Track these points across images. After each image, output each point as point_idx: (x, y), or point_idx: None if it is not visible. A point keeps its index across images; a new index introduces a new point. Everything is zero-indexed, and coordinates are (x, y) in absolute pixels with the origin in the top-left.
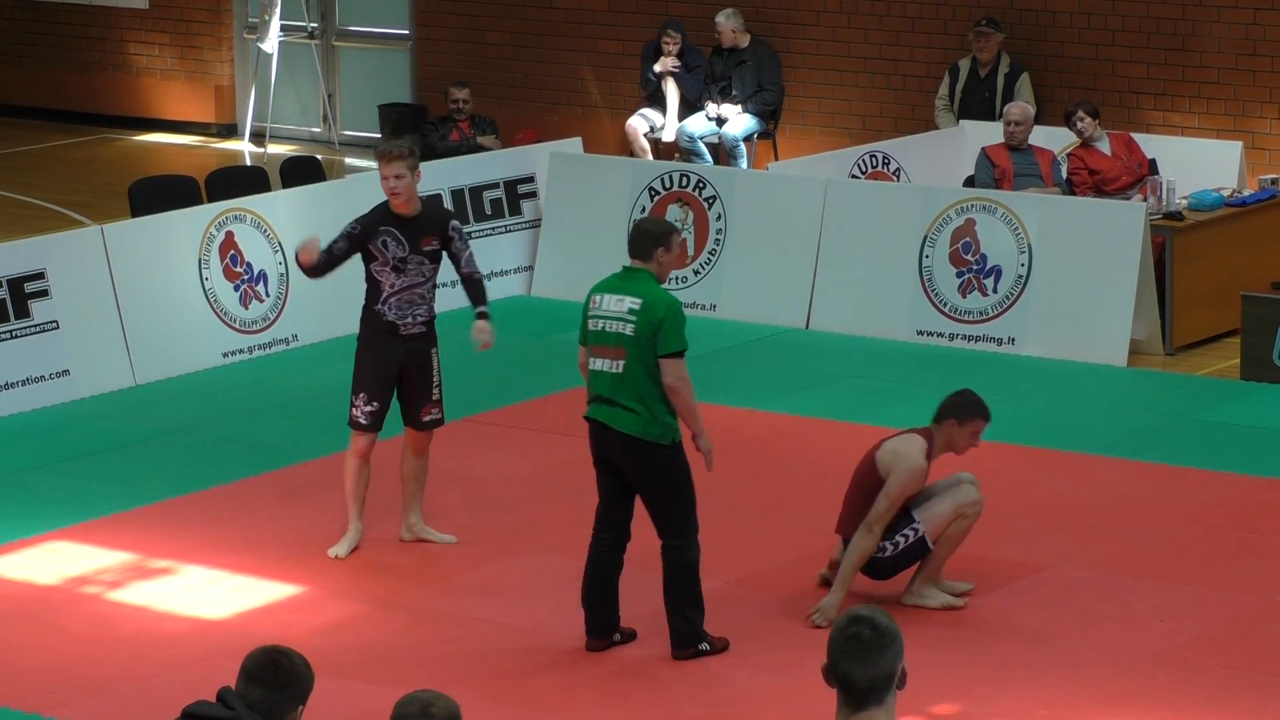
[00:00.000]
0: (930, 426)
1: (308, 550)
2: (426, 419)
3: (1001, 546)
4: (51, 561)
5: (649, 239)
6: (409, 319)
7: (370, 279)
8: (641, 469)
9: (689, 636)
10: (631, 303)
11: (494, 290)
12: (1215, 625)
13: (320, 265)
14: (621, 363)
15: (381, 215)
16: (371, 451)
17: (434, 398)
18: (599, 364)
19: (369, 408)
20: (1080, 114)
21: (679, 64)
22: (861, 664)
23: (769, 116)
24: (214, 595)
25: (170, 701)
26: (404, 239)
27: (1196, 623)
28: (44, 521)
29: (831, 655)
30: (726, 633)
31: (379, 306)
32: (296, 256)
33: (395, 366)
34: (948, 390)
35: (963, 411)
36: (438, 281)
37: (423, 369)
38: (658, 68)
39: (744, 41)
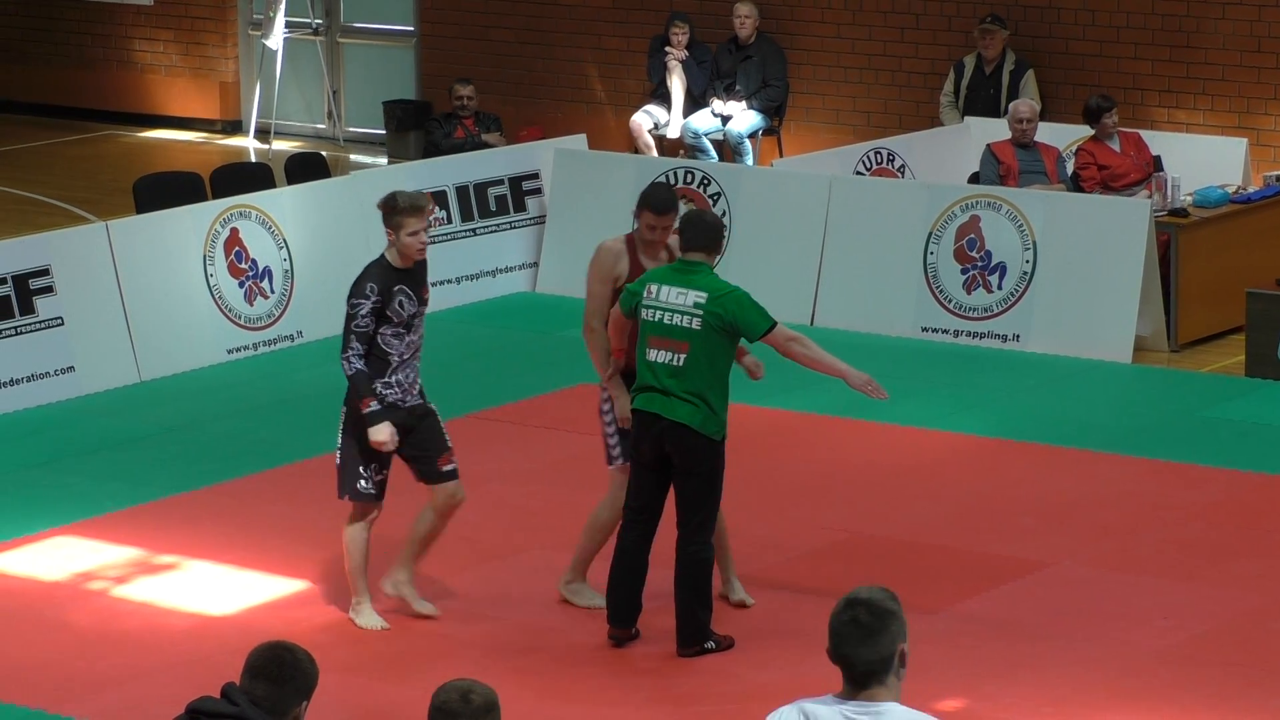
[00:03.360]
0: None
1: (312, 546)
2: (447, 467)
3: (1005, 543)
4: (56, 558)
5: (714, 232)
6: (412, 393)
7: (376, 352)
8: (690, 461)
9: (696, 634)
10: (697, 296)
11: (498, 287)
12: (1219, 622)
13: (366, 373)
14: (684, 356)
15: (388, 273)
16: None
17: (449, 445)
18: (656, 355)
19: (379, 477)
20: (1114, 110)
21: (687, 54)
22: (859, 647)
23: (774, 113)
24: (219, 591)
25: (175, 697)
26: (412, 292)
27: (1200, 620)
28: (49, 518)
29: (831, 639)
30: (730, 629)
31: (382, 383)
32: (375, 438)
33: (399, 429)
34: (953, 388)
35: (638, 202)
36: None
37: (426, 418)
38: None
39: (751, 37)
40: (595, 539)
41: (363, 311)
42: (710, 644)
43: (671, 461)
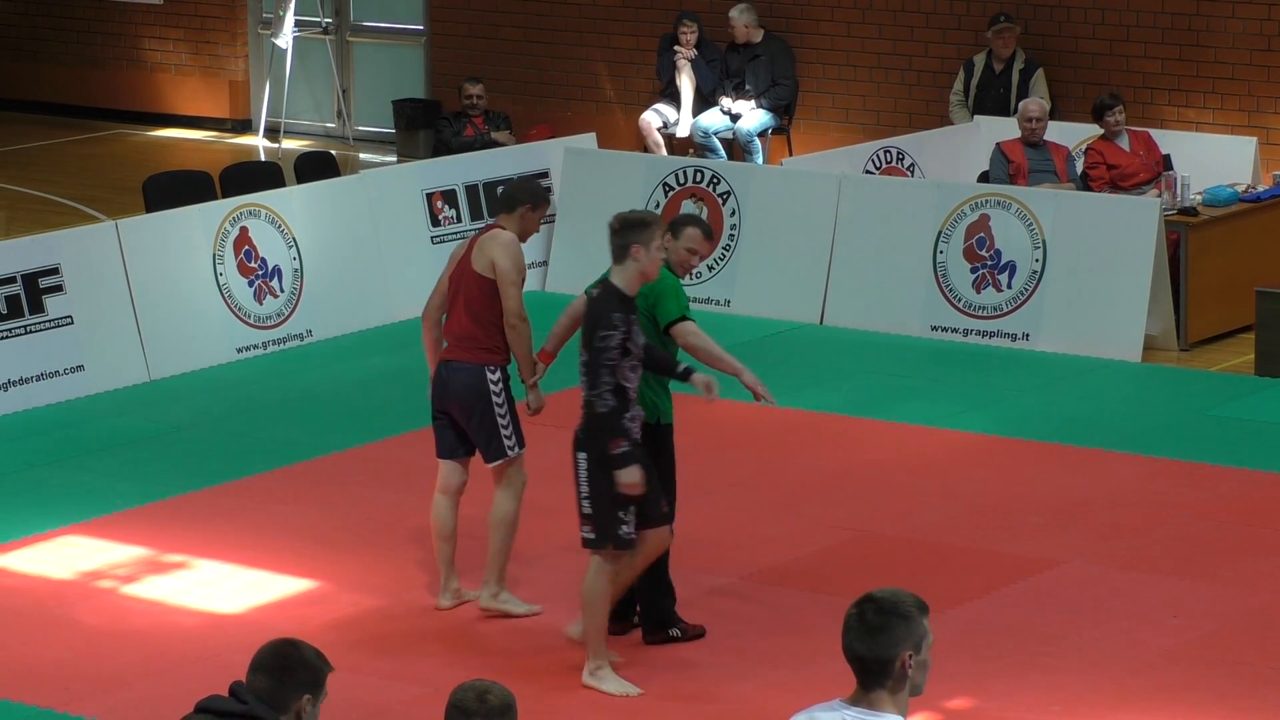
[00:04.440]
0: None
1: (321, 545)
2: (665, 509)
3: (1015, 542)
4: (65, 556)
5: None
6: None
7: (619, 389)
8: (653, 451)
9: (660, 622)
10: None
11: None
12: (1229, 621)
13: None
14: None
15: (625, 302)
16: None
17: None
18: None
19: (630, 518)
20: (1119, 108)
21: (696, 53)
22: (856, 642)
23: (783, 112)
24: (228, 590)
25: (184, 696)
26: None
27: (1210, 619)
28: (58, 516)
29: (843, 630)
30: (740, 629)
31: (627, 418)
32: (626, 480)
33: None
34: (962, 386)
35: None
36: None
37: (663, 454)
38: (678, 50)
39: (757, 37)
40: (511, 536)
41: (613, 344)
42: (675, 632)
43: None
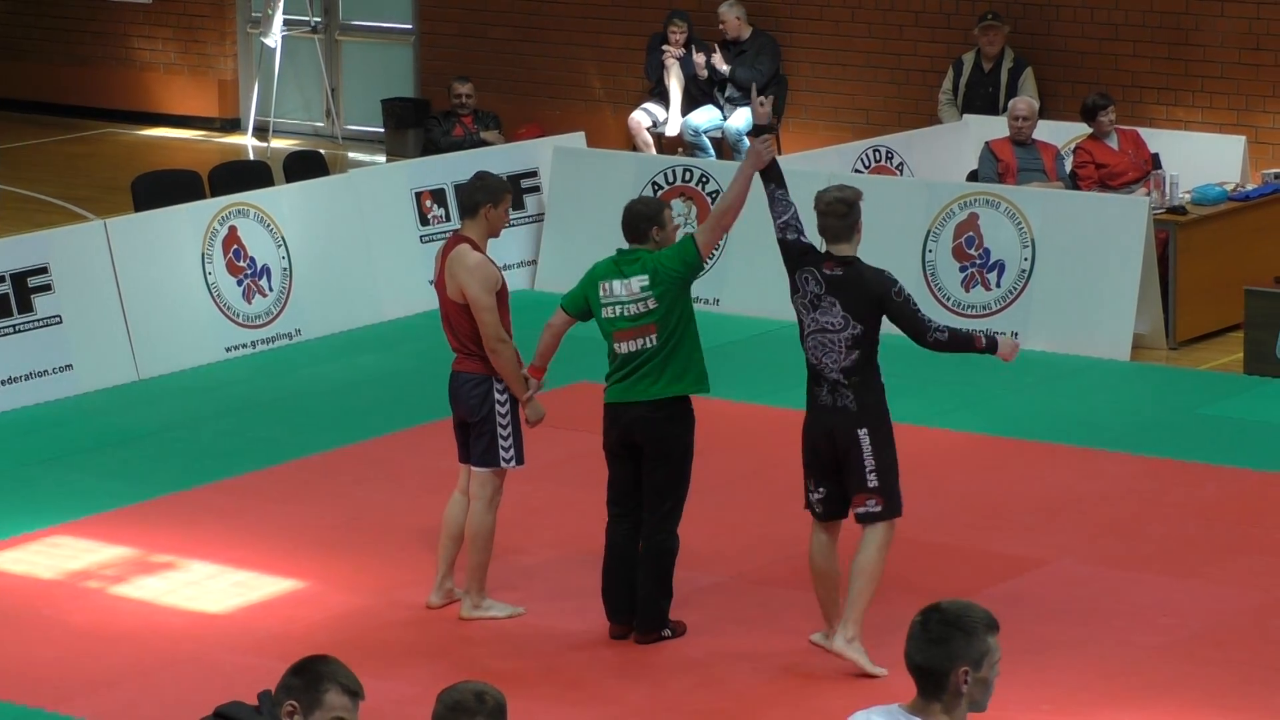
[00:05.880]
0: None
1: (310, 545)
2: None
3: (1004, 541)
4: (54, 556)
5: (642, 220)
6: None
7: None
8: (660, 448)
9: (656, 621)
10: (640, 280)
11: None
12: (1218, 620)
13: None
14: (654, 336)
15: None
16: None
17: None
18: (625, 346)
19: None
20: (1110, 109)
21: (684, 51)
22: (917, 651)
23: (772, 110)
24: (216, 590)
25: (174, 696)
26: None
27: (1200, 618)
28: (46, 516)
29: (907, 636)
30: (730, 628)
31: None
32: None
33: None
34: (951, 385)
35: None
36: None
37: None
38: (666, 49)
39: (746, 33)
40: (488, 548)
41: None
42: (667, 631)
43: (642, 450)
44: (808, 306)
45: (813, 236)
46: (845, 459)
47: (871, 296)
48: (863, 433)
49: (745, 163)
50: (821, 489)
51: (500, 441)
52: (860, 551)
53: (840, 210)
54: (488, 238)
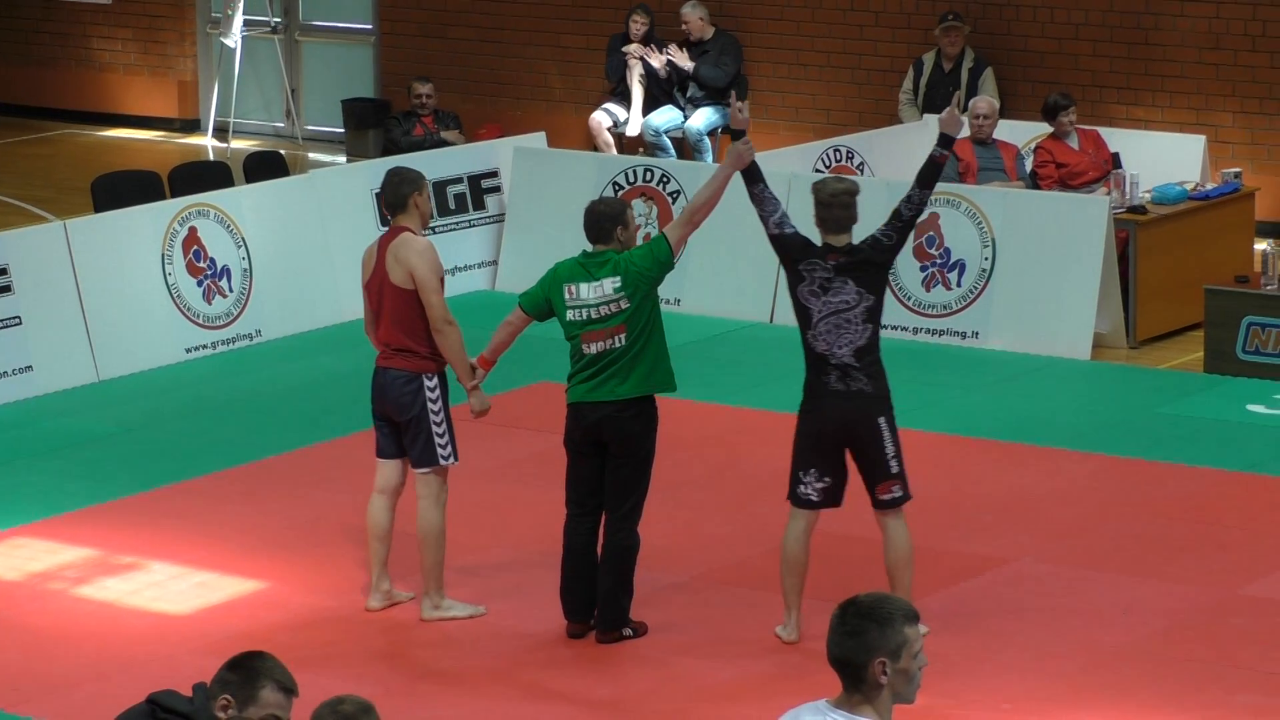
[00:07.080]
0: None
1: (272, 546)
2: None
3: (965, 540)
4: (14, 558)
5: (606, 220)
6: None
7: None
8: (626, 447)
9: (617, 620)
10: (611, 282)
11: (457, 285)
12: (1179, 618)
13: None
14: (622, 336)
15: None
16: None
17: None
18: (593, 347)
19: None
20: (1072, 109)
21: (645, 48)
22: (834, 644)
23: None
24: (178, 591)
25: (135, 696)
26: None
27: (1160, 615)
28: (6, 517)
29: (828, 630)
30: (692, 627)
31: None
32: None
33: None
34: (911, 385)
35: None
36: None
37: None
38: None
39: (709, 33)
40: (441, 547)
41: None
42: (629, 630)
43: (607, 448)
44: (817, 292)
45: (809, 231)
46: (864, 448)
47: (879, 261)
48: (882, 421)
49: (725, 163)
50: (826, 478)
51: (436, 440)
52: (893, 547)
53: (846, 201)
54: (422, 226)
